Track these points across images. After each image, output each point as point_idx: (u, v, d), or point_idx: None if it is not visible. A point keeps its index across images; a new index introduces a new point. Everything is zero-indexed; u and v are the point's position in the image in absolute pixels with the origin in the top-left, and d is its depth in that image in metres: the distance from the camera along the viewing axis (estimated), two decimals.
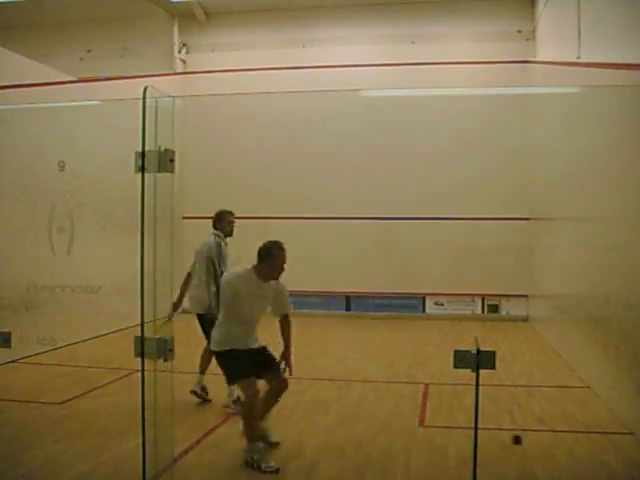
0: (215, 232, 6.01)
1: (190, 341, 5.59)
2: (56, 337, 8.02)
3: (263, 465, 4.29)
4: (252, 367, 4.48)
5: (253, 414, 4.45)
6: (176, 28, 13.01)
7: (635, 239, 5.19)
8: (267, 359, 4.69)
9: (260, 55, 12.50)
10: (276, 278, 4.59)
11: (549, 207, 9.68)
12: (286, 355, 4.68)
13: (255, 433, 4.46)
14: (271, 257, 4.49)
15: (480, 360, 3.25)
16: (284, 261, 4.54)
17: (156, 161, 3.44)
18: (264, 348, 4.74)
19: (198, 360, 5.96)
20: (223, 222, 6.02)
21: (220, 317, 4.67)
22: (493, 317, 11.67)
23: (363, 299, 12.26)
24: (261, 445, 4.40)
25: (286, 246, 4.53)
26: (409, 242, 11.59)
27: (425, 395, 6.39)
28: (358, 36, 12.36)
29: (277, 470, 4.26)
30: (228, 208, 6.14)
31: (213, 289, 5.60)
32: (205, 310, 5.72)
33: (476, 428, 3.36)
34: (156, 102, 3.46)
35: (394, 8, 12.27)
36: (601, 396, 6.12)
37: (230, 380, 4.67)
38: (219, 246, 5.89)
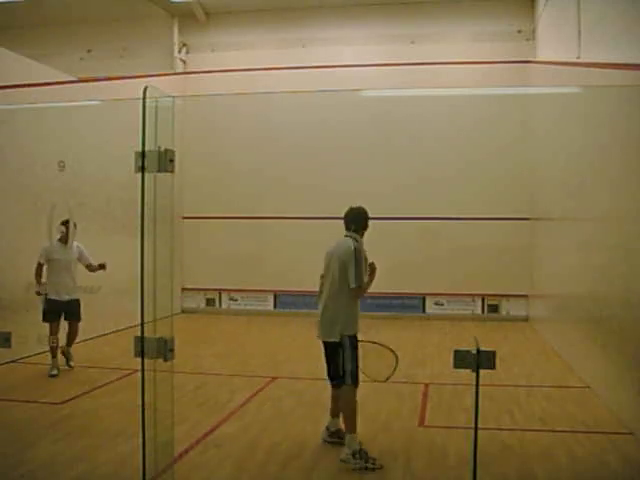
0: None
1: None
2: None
3: None
4: None
5: None
6: (176, 28, 13.01)
7: (634, 239, 5.19)
8: None
9: (260, 55, 12.51)
10: None
11: (549, 207, 9.68)
12: None
13: None
14: None
15: (480, 360, 3.25)
16: None
17: (156, 161, 3.44)
18: None
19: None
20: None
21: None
22: (493, 317, 11.65)
23: (362, 299, 12.18)
24: None
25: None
26: (409, 242, 11.58)
27: (425, 395, 6.39)
28: (358, 36, 12.36)
29: None
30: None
31: None
32: None
33: (476, 428, 3.36)
34: (156, 102, 3.45)
35: (394, 8, 12.26)
36: (601, 396, 6.12)
37: None
38: None
